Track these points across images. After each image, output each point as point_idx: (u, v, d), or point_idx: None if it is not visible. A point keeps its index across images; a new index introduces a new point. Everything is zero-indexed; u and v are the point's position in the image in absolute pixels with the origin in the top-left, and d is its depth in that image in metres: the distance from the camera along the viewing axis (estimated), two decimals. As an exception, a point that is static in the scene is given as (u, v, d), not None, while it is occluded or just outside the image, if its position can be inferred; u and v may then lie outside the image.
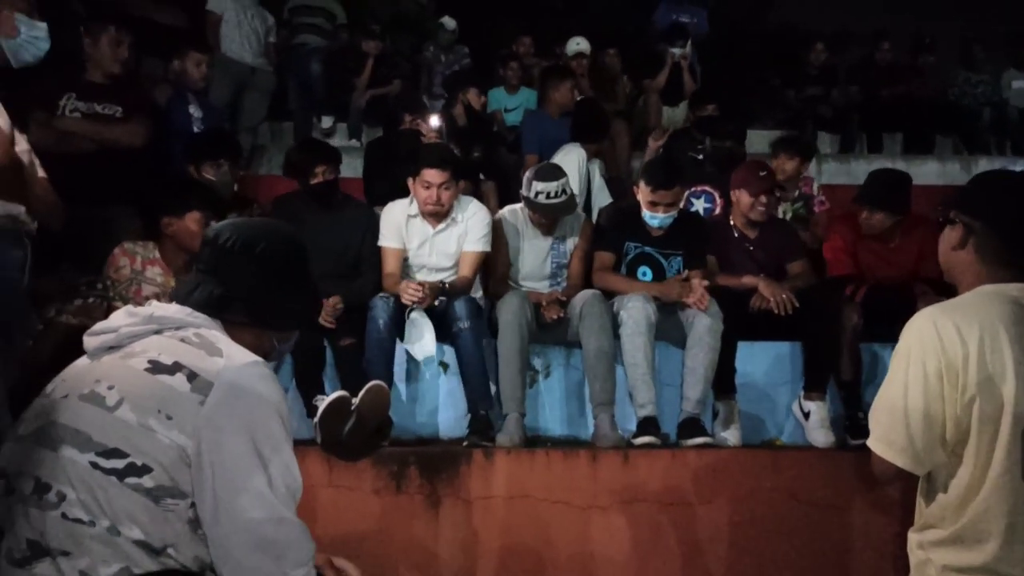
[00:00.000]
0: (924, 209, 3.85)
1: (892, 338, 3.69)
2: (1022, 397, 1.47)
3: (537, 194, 3.52)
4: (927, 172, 6.07)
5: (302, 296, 1.62)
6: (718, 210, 4.19)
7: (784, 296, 3.38)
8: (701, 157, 4.62)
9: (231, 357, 1.42)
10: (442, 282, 3.40)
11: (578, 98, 5.34)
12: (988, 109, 6.83)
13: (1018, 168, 3.74)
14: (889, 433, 1.57)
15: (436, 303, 3.32)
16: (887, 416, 1.58)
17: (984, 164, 6.10)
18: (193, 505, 1.35)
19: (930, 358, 1.52)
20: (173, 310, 1.49)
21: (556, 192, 3.51)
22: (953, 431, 1.53)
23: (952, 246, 1.66)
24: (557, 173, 3.58)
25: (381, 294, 3.37)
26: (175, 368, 1.38)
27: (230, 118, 5.67)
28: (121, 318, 1.49)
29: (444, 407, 3.48)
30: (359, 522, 2.83)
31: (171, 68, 4.38)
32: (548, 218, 3.59)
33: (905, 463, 1.56)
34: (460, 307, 3.27)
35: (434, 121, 4.25)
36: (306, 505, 2.78)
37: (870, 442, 1.63)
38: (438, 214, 3.48)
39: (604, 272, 3.56)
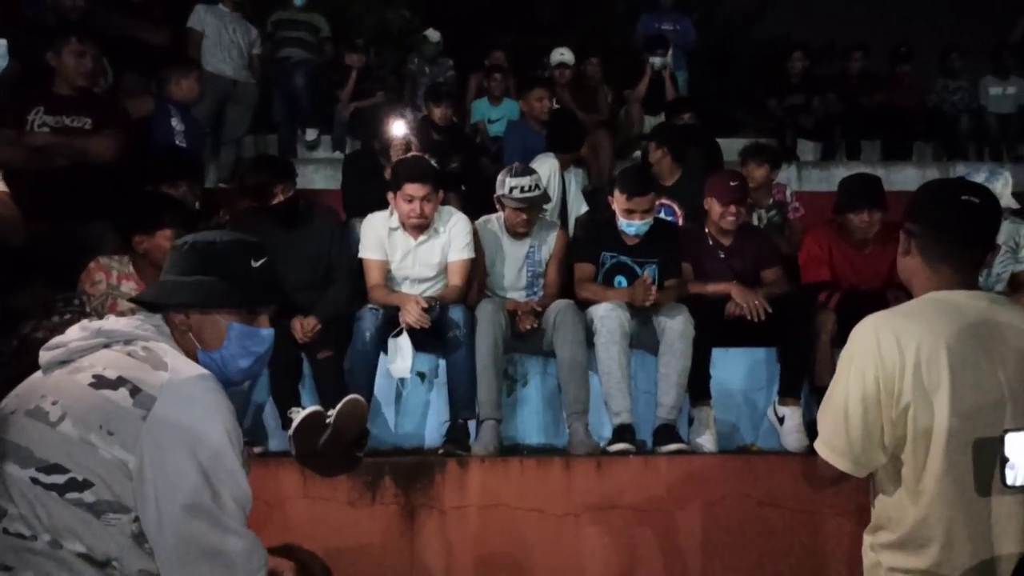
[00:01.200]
0: (902, 214, 3.89)
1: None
2: (957, 409, 1.48)
3: (512, 189, 3.59)
4: (906, 178, 6.12)
5: (229, 273, 1.57)
6: (680, 223, 4.23)
7: (757, 303, 3.42)
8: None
9: (176, 371, 1.42)
10: (435, 300, 3.36)
11: (555, 108, 5.41)
12: (966, 116, 6.90)
13: (999, 172, 3.76)
14: (832, 437, 1.61)
15: (430, 313, 3.34)
16: (830, 420, 1.62)
17: (962, 170, 6.13)
18: (137, 519, 1.36)
19: (868, 365, 1.54)
20: (123, 323, 1.51)
21: (529, 187, 3.60)
22: (891, 436, 1.55)
23: (901, 253, 1.69)
24: (529, 171, 3.71)
25: (369, 306, 3.37)
26: (119, 383, 1.39)
27: (213, 131, 5.71)
28: (73, 332, 1.50)
29: (424, 417, 3.49)
30: (334, 533, 2.84)
31: (163, 84, 4.37)
32: (523, 215, 3.61)
33: (845, 466, 1.60)
34: (457, 315, 3.29)
35: (397, 129, 4.22)
36: (281, 516, 2.82)
37: (816, 444, 1.67)
38: (420, 227, 3.51)
39: (586, 283, 3.59)
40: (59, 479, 1.34)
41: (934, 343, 1.51)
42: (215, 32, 5.83)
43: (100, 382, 1.39)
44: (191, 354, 1.54)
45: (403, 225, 3.53)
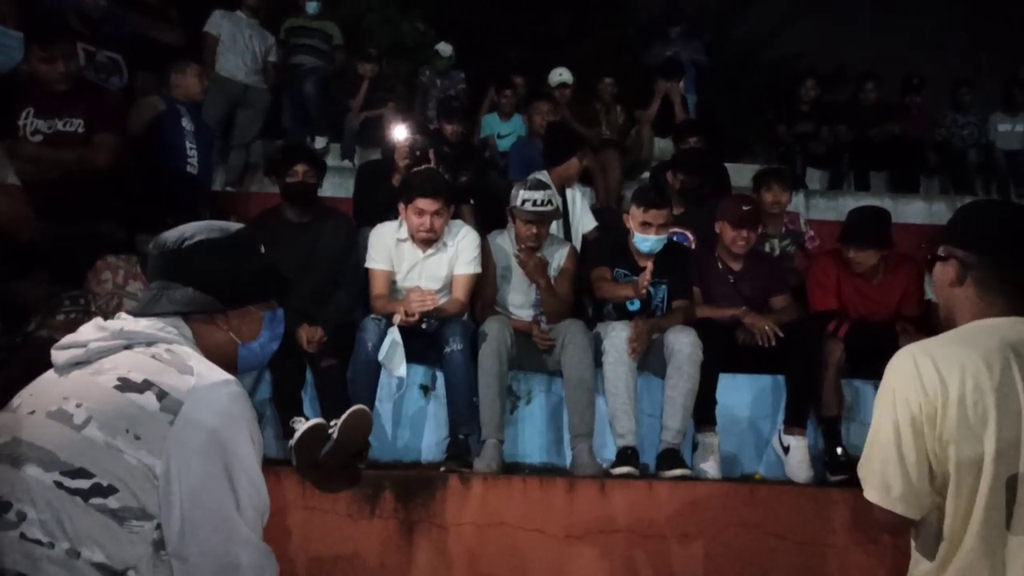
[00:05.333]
0: (909, 246, 3.88)
1: (874, 375, 3.70)
2: (1004, 446, 1.38)
3: (524, 202, 3.60)
4: (913, 211, 6.13)
5: (246, 267, 1.59)
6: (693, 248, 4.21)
7: (768, 327, 3.39)
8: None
9: (202, 375, 1.40)
10: (431, 312, 3.34)
11: (557, 120, 5.44)
12: (975, 150, 6.92)
13: None
14: (886, 480, 1.47)
15: (424, 325, 3.32)
16: (879, 462, 1.48)
17: (970, 204, 6.16)
18: (159, 527, 1.33)
19: (911, 394, 1.45)
20: (144, 324, 1.47)
21: (542, 201, 3.61)
22: (937, 473, 1.45)
23: (949, 282, 1.57)
24: (543, 185, 3.72)
25: (372, 316, 3.35)
26: (145, 386, 1.36)
27: (223, 135, 5.71)
28: (90, 332, 1.46)
29: (425, 431, 3.45)
30: (332, 545, 2.80)
31: (169, 80, 4.35)
32: (533, 229, 3.60)
33: (906, 509, 1.46)
34: (453, 329, 3.27)
35: (400, 134, 4.20)
36: (279, 526, 2.77)
37: (866, 493, 1.52)
38: (429, 240, 3.50)
39: (604, 282, 3.58)
40: (83, 484, 1.30)
41: (977, 375, 1.41)
42: (230, 37, 5.87)
43: (125, 385, 1.36)
44: (223, 352, 1.54)
45: (412, 237, 3.52)
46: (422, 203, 3.41)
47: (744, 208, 3.66)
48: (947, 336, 1.53)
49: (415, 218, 3.44)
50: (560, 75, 6.28)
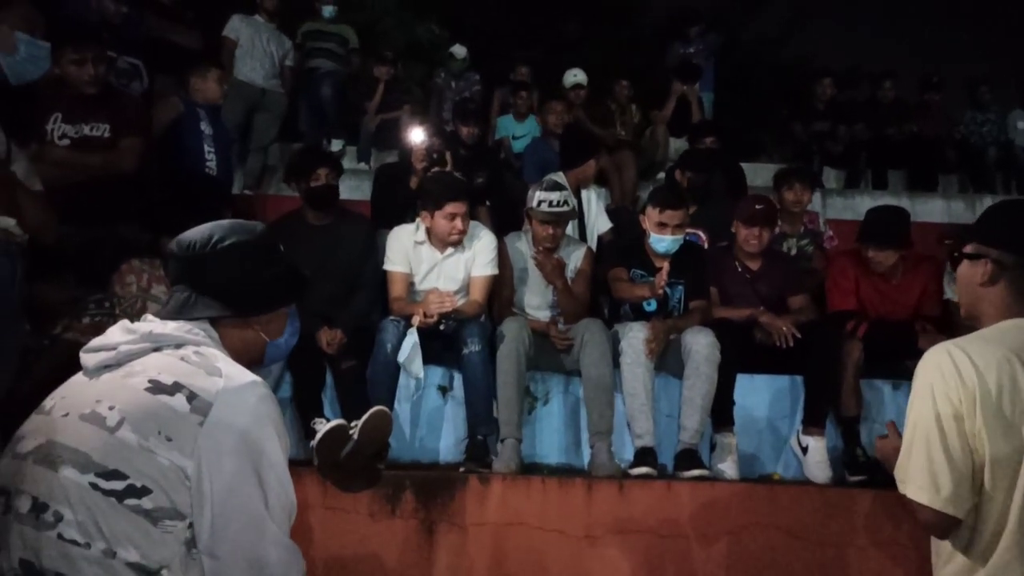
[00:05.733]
0: (928, 245, 3.86)
1: (893, 375, 3.70)
2: None
3: (540, 203, 3.62)
4: (931, 210, 6.09)
5: (276, 271, 1.62)
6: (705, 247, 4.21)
7: (785, 328, 3.39)
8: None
9: (230, 377, 1.43)
10: (450, 314, 3.38)
11: (572, 122, 5.45)
12: (994, 148, 6.86)
13: None
14: (932, 479, 1.43)
15: (442, 326, 3.34)
16: (925, 460, 1.44)
17: (988, 202, 6.10)
18: (191, 526, 1.36)
19: (951, 388, 1.42)
20: (172, 327, 1.49)
21: (559, 202, 3.63)
22: (975, 469, 1.42)
23: (980, 282, 1.54)
24: (559, 186, 3.74)
25: (391, 318, 3.38)
26: (175, 388, 1.38)
27: (241, 139, 5.76)
28: (118, 335, 1.49)
29: (443, 432, 3.47)
30: (353, 545, 2.82)
31: (190, 84, 4.39)
32: (550, 229, 3.62)
33: (956, 510, 1.43)
34: (471, 330, 3.29)
35: (417, 136, 4.22)
36: (300, 526, 2.79)
37: (911, 494, 1.47)
38: (460, 241, 3.53)
39: (621, 283, 3.59)
40: (118, 485, 1.33)
41: (1013, 371, 1.40)
42: (248, 41, 5.92)
43: (156, 387, 1.39)
44: (250, 351, 1.58)
45: (430, 240, 3.54)
46: (452, 207, 3.45)
47: (756, 207, 3.67)
48: (978, 335, 1.52)
49: (446, 223, 3.46)
50: (575, 76, 6.30)
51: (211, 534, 1.35)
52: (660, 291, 3.40)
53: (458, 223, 3.47)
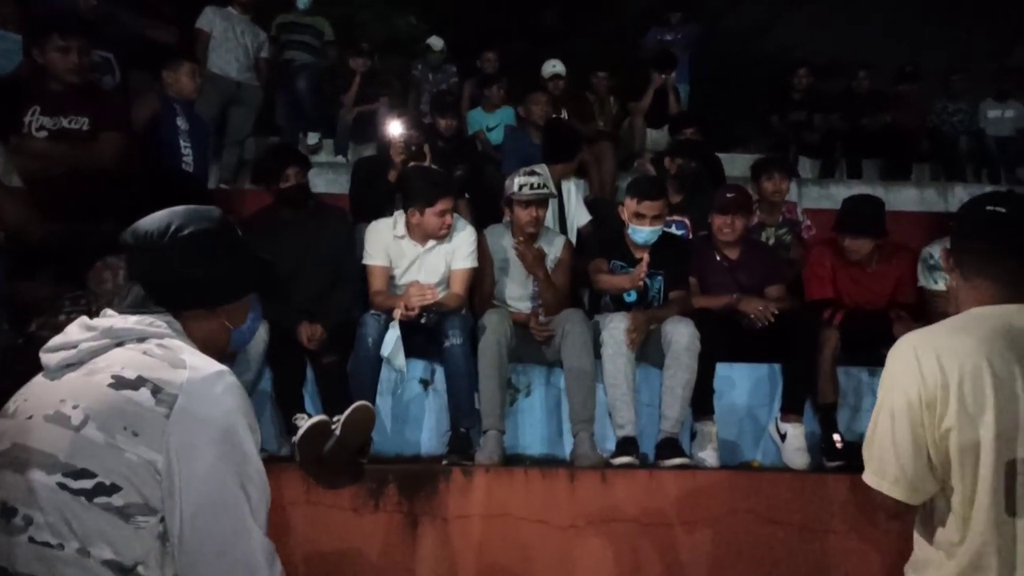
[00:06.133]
0: (902, 233, 3.91)
1: (869, 362, 3.76)
2: (1002, 430, 1.41)
3: (520, 187, 3.64)
4: (905, 198, 6.16)
5: (238, 258, 1.57)
6: (690, 237, 4.25)
7: (762, 307, 3.44)
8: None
9: (195, 368, 1.40)
10: (431, 305, 3.40)
11: (552, 116, 5.45)
12: (966, 137, 6.96)
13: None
14: (882, 465, 1.53)
15: (423, 319, 3.35)
16: (878, 447, 1.54)
17: (960, 191, 6.22)
18: (163, 520, 1.35)
19: (911, 385, 1.48)
20: (133, 321, 1.46)
21: (538, 184, 3.66)
22: (936, 460, 1.47)
23: (946, 271, 1.65)
24: (537, 171, 3.78)
25: (372, 312, 3.37)
26: (139, 382, 1.36)
27: (216, 132, 5.70)
28: (78, 333, 1.45)
29: (425, 425, 3.48)
30: (336, 540, 2.82)
31: (162, 79, 4.34)
32: (531, 212, 3.64)
33: (900, 494, 1.51)
34: (453, 323, 3.29)
35: (396, 129, 4.21)
36: (283, 522, 2.79)
37: (864, 476, 1.57)
38: (445, 236, 3.54)
39: (601, 274, 3.61)
40: (87, 484, 1.31)
41: (977, 363, 1.44)
42: (222, 34, 5.84)
43: (119, 383, 1.37)
44: (215, 340, 1.54)
45: (410, 234, 3.54)
46: (443, 204, 3.46)
47: (728, 195, 3.71)
48: (945, 324, 1.56)
49: (437, 219, 3.46)
50: (553, 67, 6.29)
51: (182, 528, 1.34)
52: (640, 283, 3.42)
53: (447, 219, 3.48)
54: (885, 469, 1.52)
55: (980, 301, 1.55)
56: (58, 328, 2.87)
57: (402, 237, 3.56)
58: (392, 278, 3.58)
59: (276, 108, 6.34)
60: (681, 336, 3.23)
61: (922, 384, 1.47)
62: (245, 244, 1.60)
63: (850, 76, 7.14)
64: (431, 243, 3.55)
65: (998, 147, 6.86)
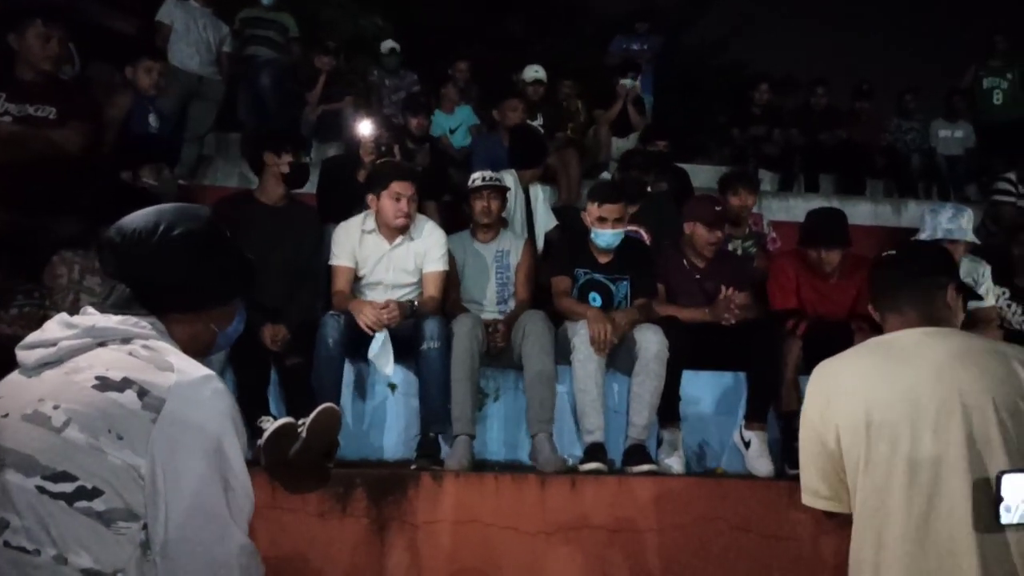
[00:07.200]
0: (857, 247, 4.00)
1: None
2: (895, 440, 1.58)
3: (474, 180, 3.75)
4: (860, 213, 6.31)
5: (227, 260, 1.53)
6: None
7: (727, 314, 3.51)
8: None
9: (183, 371, 1.36)
10: (411, 302, 3.41)
11: (527, 122, 5.48)
12: (918, 155, 7.18)
13: (963, 209, 3.85)
14: (807, 481, 1.73)
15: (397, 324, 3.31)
16: (801, 465, 1.74)
17: (913, 207, 6.40)
18: (145, 527, 1.30)
19: (813, 410, 1.69)
20: (116, 320, 1.41)
21: (491, 178, 3.78)
22: (847, 472, 1.65)
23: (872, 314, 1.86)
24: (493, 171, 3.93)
25: (331, 312, 3.33)
26: (124, 384, 1.31)
27: (177, 127, 5.56)
28: (57, 330, 1.40)
29: (391, 429, 3.44)
30: (303, 545, 2.76)
31: (125, 75, 4.24)
32: (486, 202, 3.72)
33: (825, 505, 1.69)
34: (431, 327, 3.25)
35: (366, 128, 4.19)
36: (249, 527, 2.72)
37: (802, 495, 1.77)
38: (405, 227, 3.51)
39: (564, 297, 3.60)
40: (67, 487, 1.26)
41: (872, 379, 1.62)
42: (183, 27, 5.73)
43: (105, 384, 1.31)
44: (200, 342, 1.50)
45: (379, 228, 3.50)
46: (398, 187, 3.44)
47: (717, 209, 3.77)
48: (853, 351, 1.77)
49: (392, 203, 3.45)
50: (536, 72, 6.26)
51: (166, 535, 1.29)
52: (602, 333, 3.24)
53: (403, 204, 3.45)
54: (808, 484, 1.73)
55: (888, 330, 1.76)
56: (9, 321, 2.79)
57: (371, 231, 3.53)
58: (362, 278, 3.54)
59: (238, 103, 6.22)
60: (651, 344, 3.26)
61: (826, 405, 1.66)
62: (234, 244, 1.55)
63: (808, 92, 7.31)
64: (399, 239, 3.52)
65: (948, 165, 7.09)
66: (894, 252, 1.83)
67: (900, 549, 1.55)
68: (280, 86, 6.24)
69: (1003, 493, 1.48)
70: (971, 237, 3.69)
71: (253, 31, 6.42)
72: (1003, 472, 1.50)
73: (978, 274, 3.92)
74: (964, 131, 7.16)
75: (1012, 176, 5.26)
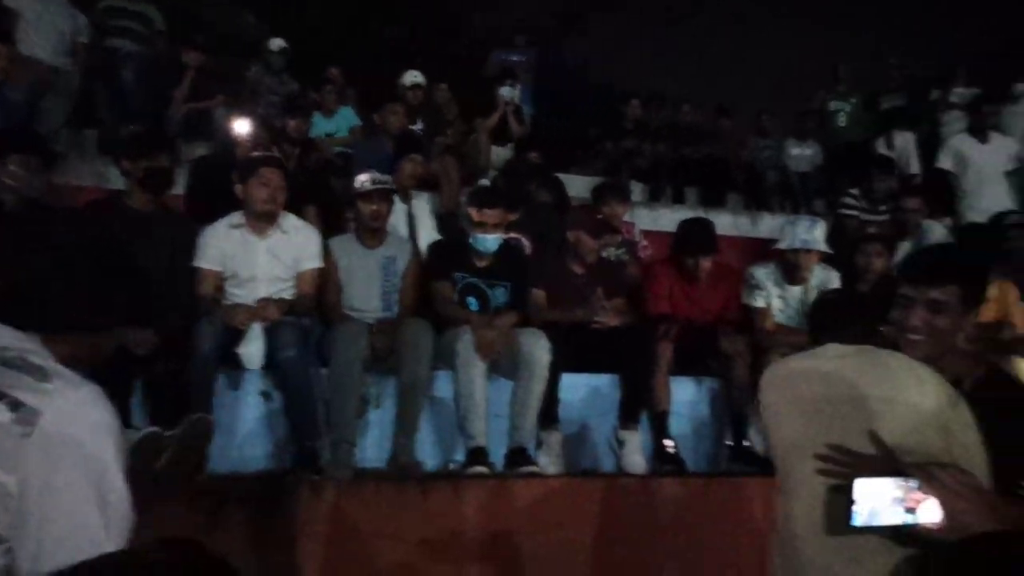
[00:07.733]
0: (721, 255, 4.26)
1: (697, 372, 4.03)
2: (790, 445, 1.78)
3: (362, 183, 3.67)
4: (721, 223, 6.64)
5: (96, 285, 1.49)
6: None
7: (604, 319, 3.66)
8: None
9: (60, 383, 1.28)
10: (285, 300, 3.33)
11: (409, 127, 5.47)
12: (773, 171, 7.69)
13: (817, 221, 4.16)
14: None
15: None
16: None
17: (768, 219, 6.87)
18: (10, 551, 1.20)
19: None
20: None
21: (381, 180, 3.72)
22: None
23: None
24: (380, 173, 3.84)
25: (206, 318, 3.19)
26: None
27: (26, 121, 5.15)
28: None
29: (266, 439, 3.32)
30: (172, 563, 2.62)
31: None
32: (374, 206, 3.65)
33: None
34: (285, 334, 3.16)
35: (243, 127, 4.07)
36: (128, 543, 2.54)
37: None
38: (271, 214, 3.44)
39: (446, 303, 3.61)
40: None
41: (791, 384, 1.84)
42: (34, 14, 5.31)
43: None
44: (81, 355, 1.40)
45: (247, 222, 3.43)
46: (267, 173, 3.40)
47: (599, 218, 3.95)
48: (801, 354, 1.95)
49: (261, 190, 3.38)
50: (414, 76, 6.33)
51: (35, 558, 1.20)
52: (489, 345, 3.33)
53: (271, 191, 3.41)
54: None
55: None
56: None
57: (239, 226, 3.43)
58: (234, 277, 3.42)
59: (96, 98, 5.82)
60: (541, 351, 3.32)
61: (768, 405, 1.87)
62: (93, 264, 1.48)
63: (675, 109, 7.69)
64: (269, 232, 3.44)
65: (800, 181, 7.63)
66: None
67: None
68: (144, 81, 5.91)
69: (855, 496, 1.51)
70: (824, 247, 4.00)
71: (115, 22, 6.04)
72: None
73: (829, 281, 4.25)
74: (813, 150, 7.72)
75: (856, 192, 5.73)
